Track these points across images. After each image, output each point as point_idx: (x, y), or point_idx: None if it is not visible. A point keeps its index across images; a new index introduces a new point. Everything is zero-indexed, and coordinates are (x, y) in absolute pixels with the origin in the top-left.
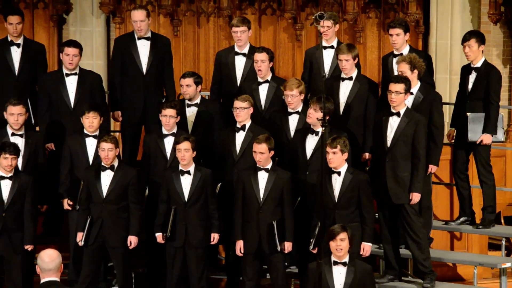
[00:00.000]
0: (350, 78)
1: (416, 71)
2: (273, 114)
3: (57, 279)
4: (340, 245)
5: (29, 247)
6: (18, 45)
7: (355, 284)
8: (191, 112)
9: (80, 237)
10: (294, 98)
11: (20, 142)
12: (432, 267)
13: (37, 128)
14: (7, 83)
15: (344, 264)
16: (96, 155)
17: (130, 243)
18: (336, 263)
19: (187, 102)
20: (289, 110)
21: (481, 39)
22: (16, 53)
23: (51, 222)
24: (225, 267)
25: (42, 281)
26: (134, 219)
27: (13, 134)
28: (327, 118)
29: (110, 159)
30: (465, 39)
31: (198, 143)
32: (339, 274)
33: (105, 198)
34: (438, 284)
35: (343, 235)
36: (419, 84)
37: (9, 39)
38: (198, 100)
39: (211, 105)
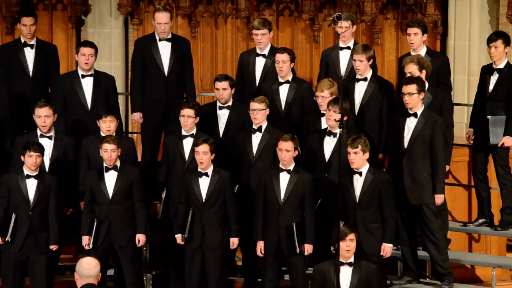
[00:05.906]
0: (365, 79)
1: (424, 71)
2: (306, 116)
3: (95, 283)
4: (349, 246)
5: (54, 247)
6: (31, 46)
7: (361, 284)
8: (223, 114)
9: (87, 241)
10: (325, 99)
11: (48, 144)
12: (450, 268)
13: None
14: (22, 84)
15: (350, 264)
16: None
17: (139, 241)
18: (342, 263)
19: (219, 104)
20: (322, 111)
21: (507, 40)
22: (29, 54)
23: (69, 223)
24: (242, 269)
25: (79, 286)
26: (140, 217)
27: (41, 136)
28: (345, 118)
29: (113, 160)
30: (492, 39)
31: (224, 145)
32: (345, 275)
33: (111, 199)
34: (456, 286)
35: (352, 236)
36: (427, 84)
37: (22, 40)
38: (230, 103)
39: (242, 107)
